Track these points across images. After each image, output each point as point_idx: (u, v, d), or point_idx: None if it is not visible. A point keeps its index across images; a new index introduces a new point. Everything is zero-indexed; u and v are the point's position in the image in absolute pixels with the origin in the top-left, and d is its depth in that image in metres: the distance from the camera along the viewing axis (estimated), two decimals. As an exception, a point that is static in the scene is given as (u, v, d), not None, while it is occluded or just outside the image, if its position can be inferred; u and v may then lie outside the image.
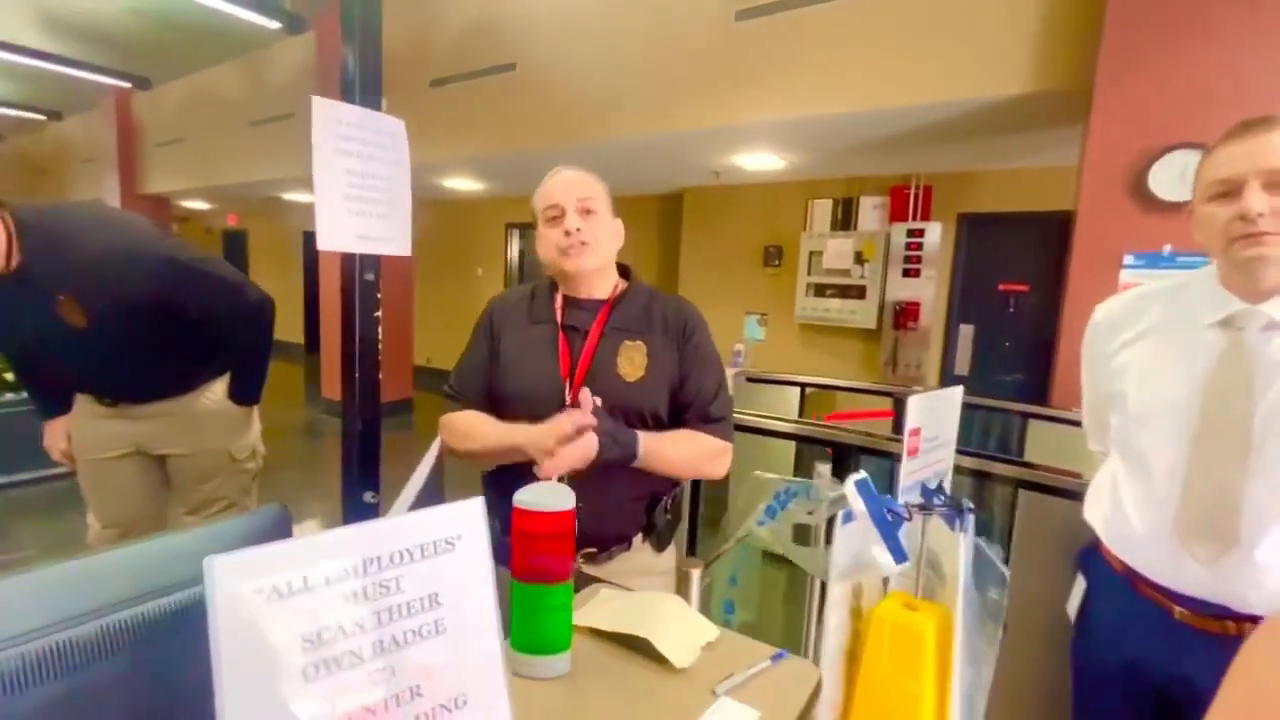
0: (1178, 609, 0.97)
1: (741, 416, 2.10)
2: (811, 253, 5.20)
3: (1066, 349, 2.67)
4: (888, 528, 0.92)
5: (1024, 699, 1.51)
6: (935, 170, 4.71)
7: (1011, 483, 1.65)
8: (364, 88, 1.33)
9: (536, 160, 4.47)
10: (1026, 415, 2.83)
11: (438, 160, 5.19)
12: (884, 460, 1.90)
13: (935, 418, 1.12)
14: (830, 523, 0.99)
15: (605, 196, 1.20)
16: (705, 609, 1.06)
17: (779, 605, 1.90)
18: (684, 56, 3.78)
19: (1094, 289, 2.53)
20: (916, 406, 1.06)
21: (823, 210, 5.23)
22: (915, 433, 1.07)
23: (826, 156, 4.47)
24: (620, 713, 0.71)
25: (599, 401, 1.08)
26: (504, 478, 1.12)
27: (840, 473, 1.90)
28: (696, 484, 2.11)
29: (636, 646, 0.81)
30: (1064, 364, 2.70)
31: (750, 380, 3.65)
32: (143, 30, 5.90)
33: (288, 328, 9.60)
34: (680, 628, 0.85)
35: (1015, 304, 4.63)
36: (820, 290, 5.18)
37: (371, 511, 1.47)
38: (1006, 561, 1.59)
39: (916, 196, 4.76)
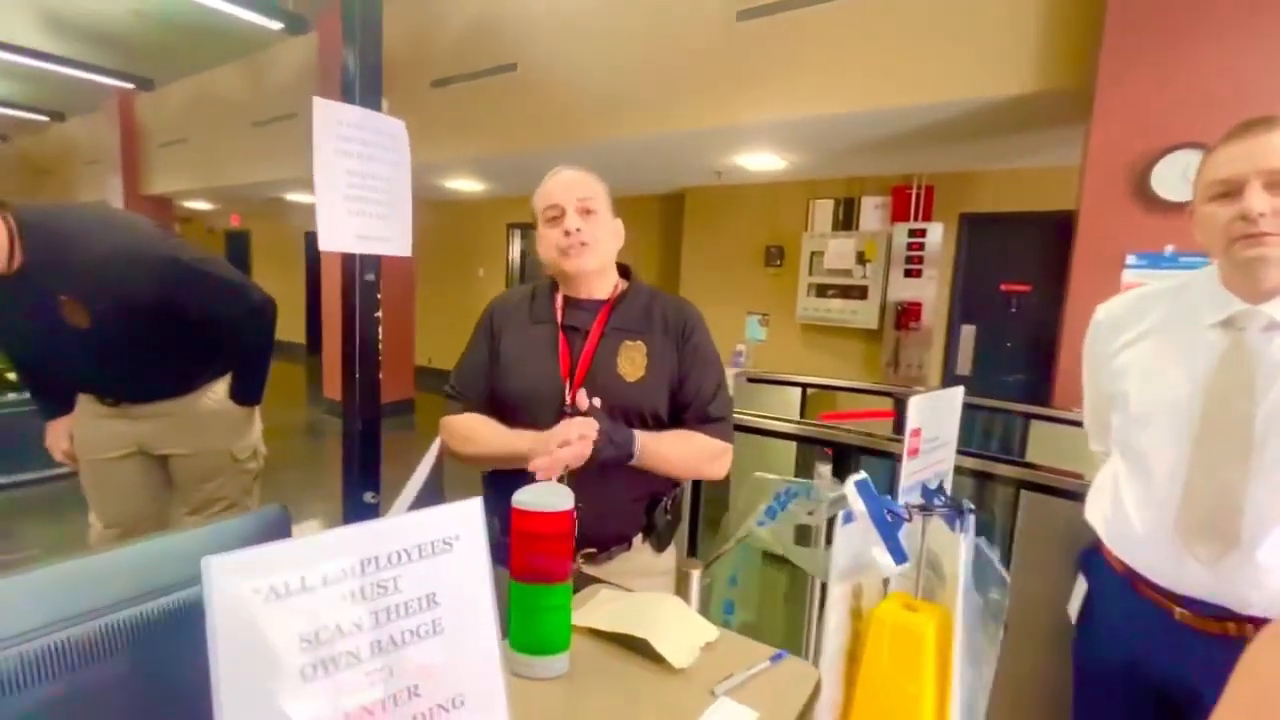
0: (1178, 610, 0.97)
1: (742, 417, 2.10)
2: (813, 253, 5.20)
3: (1068, 349, 2.67)
4: (888, 528, 0.92)
5: (1025, 699, 1.51)
6: (937, 170, 4.71)
7: (1013, 483, 1.65)
8: (364, 88, 1.33)
9: (537, 160, 4.47)
10: (1028, 416, 2.83)
11: (439, 160, 5.20)
12: (885, 461, 1.90)
13: (936, 418, 1.12)
14: (831, 523, 0.99)
15: (605, 196, 1.20)
16: (705, 609, 1.06)
17: (779, 606, 1.90)
18: (685, 56, 3.78)
19: (1096, 289, 2.52)
20: (917, 407, 1.06)
21: (824, 210, 5.23)
22: (916, 433, 1.07)
23: (828, 156, 4.47)
24: (619, 713, 0.71)
25: (597, 402, 1.07)
26: (504, 478, 1.12)
27: (841, 473, 1.90)
28: (697, 484, 2.12)
29: (635, 647, 0.81)
30: (1066, 364, 2.69)
31: (751, 381, 3.65)
32: (145, 31, 5.92)
33: (290, 328, 9.62)
34: (679, 628, 0.85)
35: (1017, 304, 4.62)
36: (822, 290, 5.17)
37: (372, 512, 1.47)
38: (1007, 562, 1.59)
39: (918, 196, 4.76)
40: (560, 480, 0.94)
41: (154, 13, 5.49)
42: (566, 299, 1.21)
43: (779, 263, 5.51)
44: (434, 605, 0.51)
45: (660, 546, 1.24)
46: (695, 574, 1.02)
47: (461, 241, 8.00)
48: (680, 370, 1.19)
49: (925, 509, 0.98)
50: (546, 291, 1.24)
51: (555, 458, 0.96)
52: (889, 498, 0.96)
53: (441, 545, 0.52)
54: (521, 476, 0.94)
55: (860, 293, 4.97)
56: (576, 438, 0.99)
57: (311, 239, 1.23)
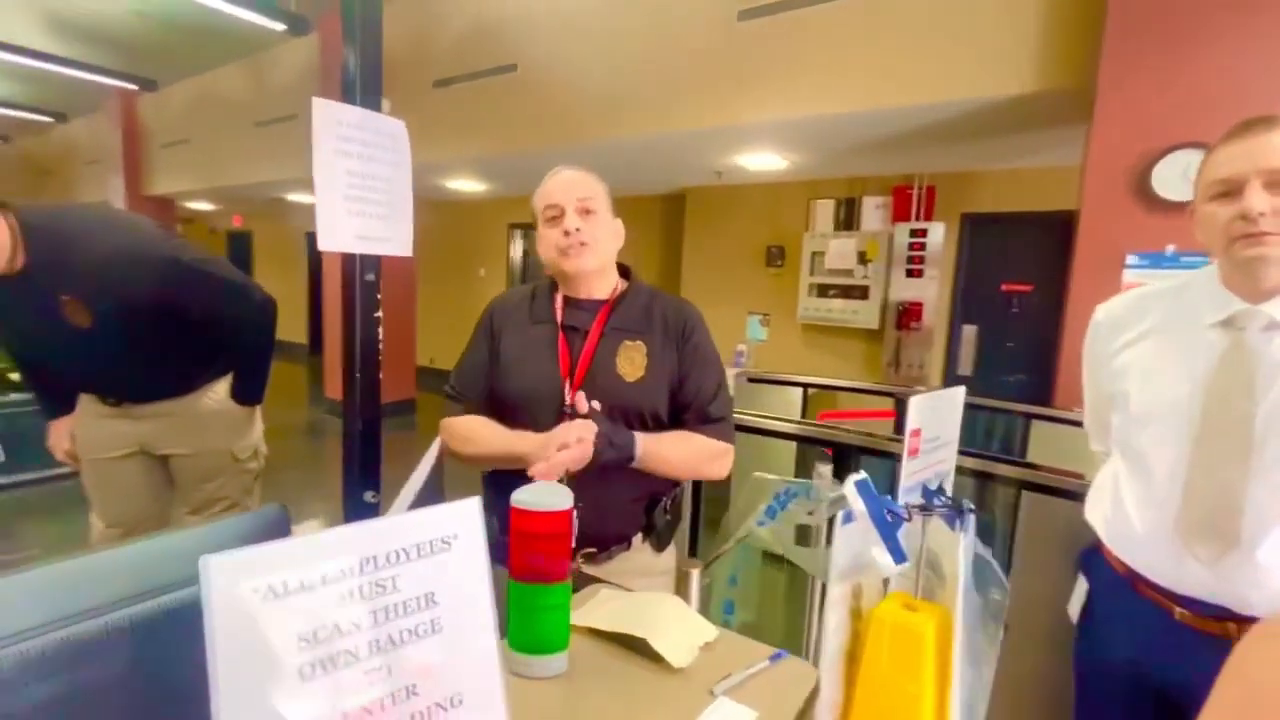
0: (1178, 610, 0.96)
1: (743, 417, 2.10)
2: (814, 253, 5.20)
3: (1069, 349, 2.66)
4: (887, 528, 0.92)
5: (1026, 700, 1.51)
6: (938, 170, 4.71)
7: (1014, 483, 1.65)
8: (364, 88, 1.33)
9: (538, 160, 4.48)
10: (1029, 416, 2.83)
11: (441, 161, 5.21)
12: (885, 461, 1.90)
13: (937, 418, 1.12)
14: (831, 523, 0.99)
15: (605, 196, 1.20)
16: (705, 609, 1.06)
17: (779, 606, 1.90)
18: (686, 56, 3.78)
19: (1097, 289, 2.52)
20: (917, 407, 1.05)
21: (825, 210, 5.23)
22: (916, 433, 1.07)
23: (829, 156, 4.47)
24: (617, 712, 0.71)
25: (597, 405, 1.08)
26: (503, 478, 1.12)
27: (841, 473, 1.90)
28: (697, 484, 2.12)
29: (635, 646, 0.81)
30: (1067, 364, 2.69)
31: (752, 381, 3.65)
32: (147, 32, 5.93)
33: (292, 328, 9.63)
34: (679, 628, 0.85)
35: (1018, 304, 4.62)
36: (823, 290, 5.17)
37: (372, 511, 1.48)
38: (1008, 562, 1.59)
39: (919, 196, 4.75)
40: (560, 480, 0.95)
41: (156, 13, 5.50)
42: (566, 299, 1.22)
43: (780, 263, 5.51)
44: (432, 604, 0.51)
45: (660, 546, 1.24)
46: (695, 574, 1.02)
47: (463, 242, 8.00)
48: (680, 370, 1.19)
49: (925, 509, 0.98)
50: (546, 291, 1.25)
51: (554, 462, 0.96)
52: (889, 498, 0.96)
53: (440, 544, 0.52)
54: (521, 477, 0.95)
55: (861, 293, 4.97)
56: (575, 441, 0.99)
57: (313, 239, 1.23)
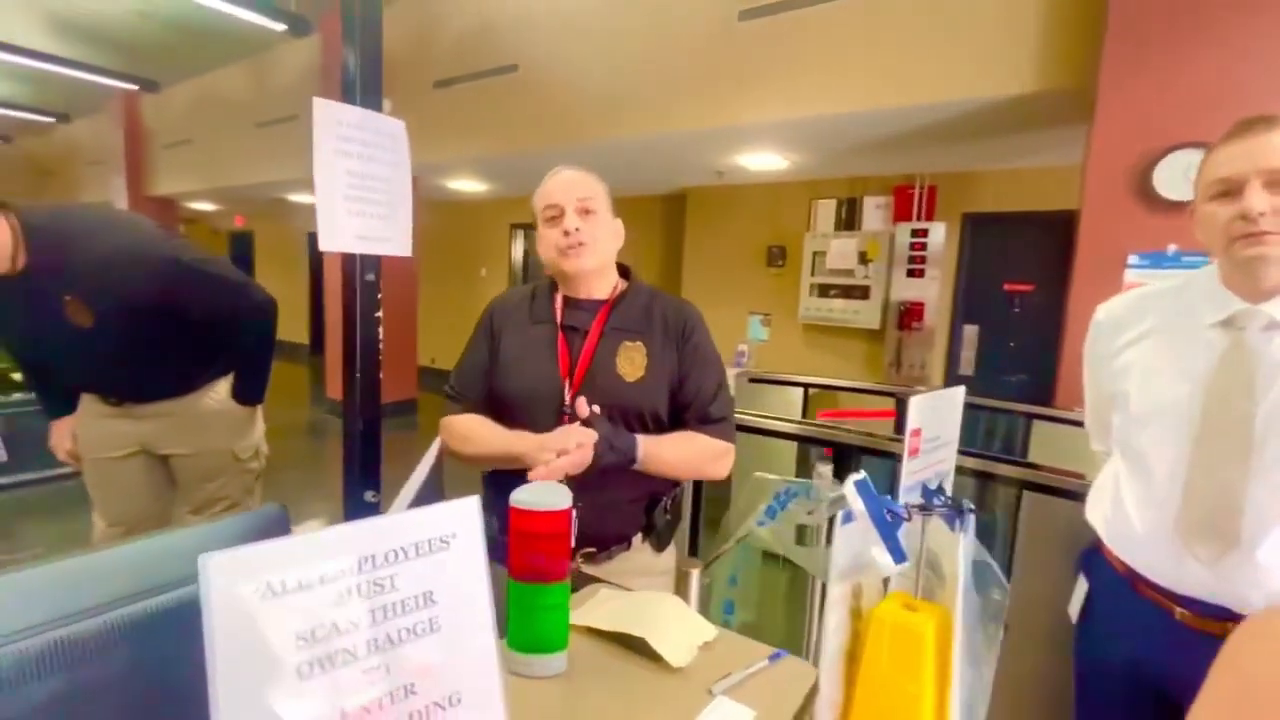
0: (1178, 610, 0.96)
1: (744, 417, 2.10)
2: (815, 253, 5.20)
3: (1071, 349, 2.66)
4: (887, 528, 0.92)
5: (1026, 700, 1.50)
6: (939, 170, 4.70)
7: (1015, 483, 1.64)
8: (364, 88, 1.33)
9: (539, 160, 4.48)
10: (1031, 416, 2.82)
11: (442, 161, 5.21)
12: (886, 461, 1.90)
13: (937, 418, 1.12)
14: (831, 523, 0.99)
15: (605, 196, 1.20)
16: (705, 609, 1.06)
17: (780, 606, 1.90)
18: (686, 56, 3.79)
19: (1098, 289, 2.51)
20: (917, 407, 1.05)
21: (826, 210, 5.22)
22: (916, 433, 1.07)
23: (830, 156, 4.47)
24: (616, 712, 0.71)
25: (597, 409, 1.08)
26: (503, 478, 1.12)
27: (841, 473, 1.90)
28: (698, 484, 2.12)
29: (634, 646, 0.81)
30: (1068, 364, 2.69)
31: (753, 381, 3.65)
32: (149, 33, 5.95)
33: (293, 329, 9.64)
34: (678, 627, 0.85)
35: (1020, 304, 4.61)
36: (824, 290, 5.17)
37: (372, 511, 1.48)
38: (1008, 562, 1.59)
39: (920, 196, 4.75)
40: (560, 481, 0.95)
41: (158, 14, 5.51)
42: (566, 299, 1.22)
43: (781, 263, 5.51)
44: (431, 603, 0.51)
45: (660, 546, 1.24)
46: (694, 573, 1.02)
47: (464, 242, 8.01)
48: (680, 371, 1.18)
49: (925, 509, 0.98)
50: (546, 291, 1.25)
51: (552, 468, 0.97)
52: (889, 497, 0.96)
53: (438, 543, 0.52)
54: (521, 477, 0.95)
55: (862, 293, 4.97)
56: (575, 447, 0.99)
57: (314, 240, 1.23)
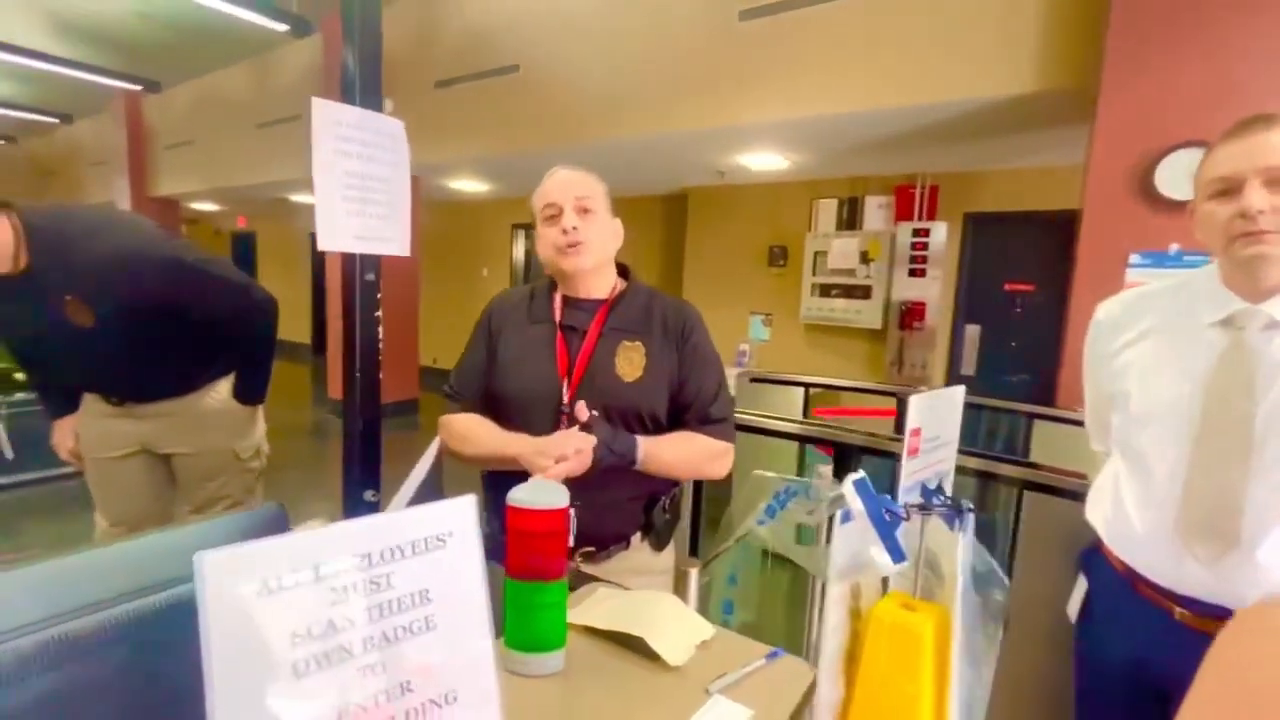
0: (1178, 610, 0.96)
1: (745, 417, 2.10)
2: (816, 253, 5.19)
3: (1072, 349, 2.65)
4: (885, 527, 0.92)
5: (1026, 699, 1.50)
6: (940, 170, 4.70)
7: (1016, 483, 1.64)
8: (364, 89, 1.33)
9: (540, 160, 4.48)
10: (1032, 415, 2.82)
11: (443, 161, 5.22)
12: (886, 461, 1.90)
13: (936, 418, 1.11)
14: (831, 522, 0.99)
15: (604, 196, 1.20)
16: (704, 609, 1.06)
17: (780, 605, 1.90)
18: (686, 56, 3.79)
19: (1100, 288, 2.50)
20: (917, 406, 1.05)
21: (827, 210, 5.22)
22: (916, 433, 1.07)
23: (831, 156, 4.47)
24: (613, 711, 0.71)
25: (596, 413, 1.08)
26: (502, 477, 1.11)
27: (841, 473, 1.90)
28: (698, 483, 2.12)
29: (631, 645, 0.81)
30: (1069, 364, 2.68)
31: (755, 380, 3.65)
32: (151, 34, 5.96)
33: (295, 329, 9.65)
34: (675, 626, 0.85)
35: (1021, 304, 4.61)
36: (825, 290, 5.16)
37: (372, 510, 1.48)
38: (1007, 563, 1.58)
39: (922, 196, 4.75)
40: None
41: (159, 15, 5.53)
42: (565, 299, 1.22)
43: (782, 263, 5.51)
44: (427, 601, 0.51)
45: (659, 545, 1.24)
46: (693, 573, 1.02)
47: (466, 242, 8.02)
48: (680, 372, 1.18)
49: (924, 508, 0.98)
50: (545, 291, 1.25)
51: (551, 473, 0.97)
52: (887, 497, 0.96)
53: (435, 542, 0.52)
54: (520, 476, 0.95)
55: (864, 292, 4.96)
56: (573, 452, 0.99)
57: (316, 240, 1.24)
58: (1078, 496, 1.42)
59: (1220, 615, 0.92)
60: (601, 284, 1.22)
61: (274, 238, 10.65)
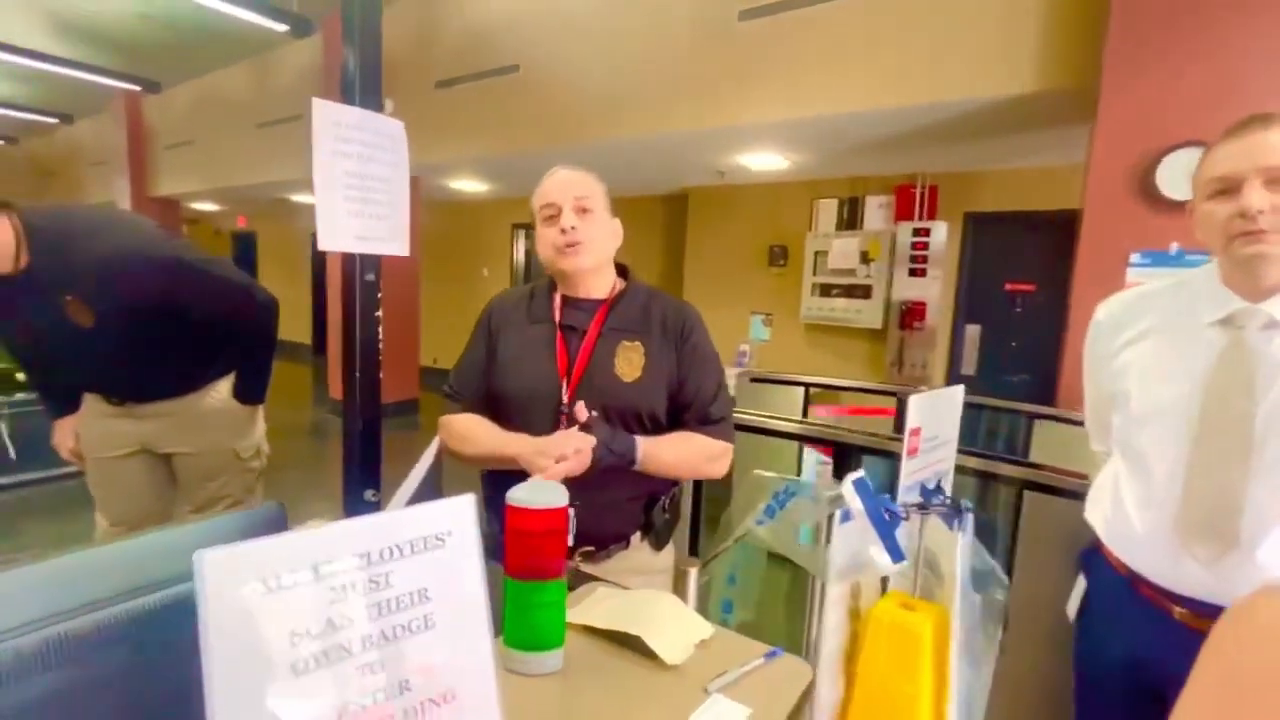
0: (1177, 610, 0.96)
1: (745, 416, 2.10)
2: (817, 252, 5.19)
3: (1073, 349, 2.65)
4: (884, 527, 0.92)
5: (1025, 699, 1.50)
6: (941, 169, 4.70)
7: (1016, 483, 1.64)
8: (364, 89, 1.33)
9: (540, 161, 4.48)
10: (1032, 415, 2.82)
11: (444, 161, 5.22)
12: (887, 460, 1.90)
13: (936, 417, 1.11)
14: (830, 521, 0.99)
15: (603, 196, 1.20)
16: (703, 608, 1.06)
17: (780, 605, 1.89)
18: (686, 56, 3.79)
19: (1100, 288, 2.50)
20: (917, 406, 1.05)
21: (828, 210, 5.22)
22: (915, 432, 1.07)
23: (831, 156, 4.46)
24: (612, 710, 0.71)
25: (595, 413, 1.08)
26: (502, 476, 1.12)
27: (841, 472, 1.90)
28: (698, 483, 2.12)
29: (630, 644, 0.81)
30: (1070, 364, 2.68)
31: (755, 380, 3.65)
32: (151, 34, 5.96)
33: (296, 329, 9.65)
34: (674, 626, 0.85)
35: (1022, 303, 4.60)
36: (826, 290, 5.16)
37: (372, 509, 1.48)
38: (1007, 563, 1.58)
39: (922, 196, 4.74)
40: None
41: (160, 15, 5.53)
42: (564, 298, 1.22)
43: (783, 262, 5.51)
44: (426, 600, 0.51)
45: (659, 545, 1.24)
46: (692, 572, 1.02)
47: (466, 242, 8.02)
48: (680, 372, 1.18)
49: (923, 508, 0.98)
50: (545, 291, 1.25)
51: (550, 473, 0.97)
52: (886, 497, 0.96)
53: (434, 541, 0.52)
54: (520, 476, 0.95)
55: (864, 292, 4.96)
56: (573, 452, 1.00)
57: (316, 240, 1.24)
58: (1078, 496, 1.41)
59: (1219, 616, 0.92)
60: (601, 284, 1.22)
61: (274, 238, 10.65)
